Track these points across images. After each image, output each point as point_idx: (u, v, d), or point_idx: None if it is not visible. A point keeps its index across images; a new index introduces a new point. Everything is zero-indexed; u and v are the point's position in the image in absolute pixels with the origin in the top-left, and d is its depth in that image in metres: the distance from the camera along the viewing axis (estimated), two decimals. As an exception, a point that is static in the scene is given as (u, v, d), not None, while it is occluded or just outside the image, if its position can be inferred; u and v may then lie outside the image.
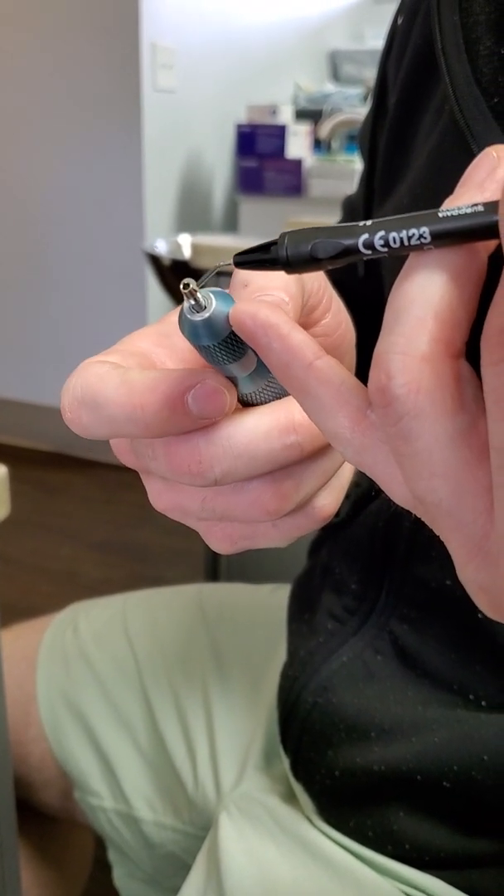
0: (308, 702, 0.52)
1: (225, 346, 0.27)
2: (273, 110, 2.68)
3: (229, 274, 0.30)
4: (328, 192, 2.45)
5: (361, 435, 0.23)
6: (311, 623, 0.57)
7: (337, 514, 0.53)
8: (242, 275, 0.29)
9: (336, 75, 3.51)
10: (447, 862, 0.47)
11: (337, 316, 0.34)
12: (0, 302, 2.89)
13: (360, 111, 2.67)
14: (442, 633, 0.48)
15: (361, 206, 0.58)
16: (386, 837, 0.49)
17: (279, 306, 0.27)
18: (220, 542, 0.33)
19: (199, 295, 0.26)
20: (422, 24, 0.50)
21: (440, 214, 0.21)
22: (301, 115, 2.89)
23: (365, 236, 0.22)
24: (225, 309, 0.26)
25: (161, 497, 0.32)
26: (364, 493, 0.53)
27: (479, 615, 0.45)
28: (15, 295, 2.85)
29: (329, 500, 0.34)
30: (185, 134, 2.69)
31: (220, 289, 0.27)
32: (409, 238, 0.21)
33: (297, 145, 2.64)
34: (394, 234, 0.22)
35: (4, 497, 0.63)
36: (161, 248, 1.61)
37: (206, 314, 0.26)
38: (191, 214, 2.77)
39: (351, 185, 2.38)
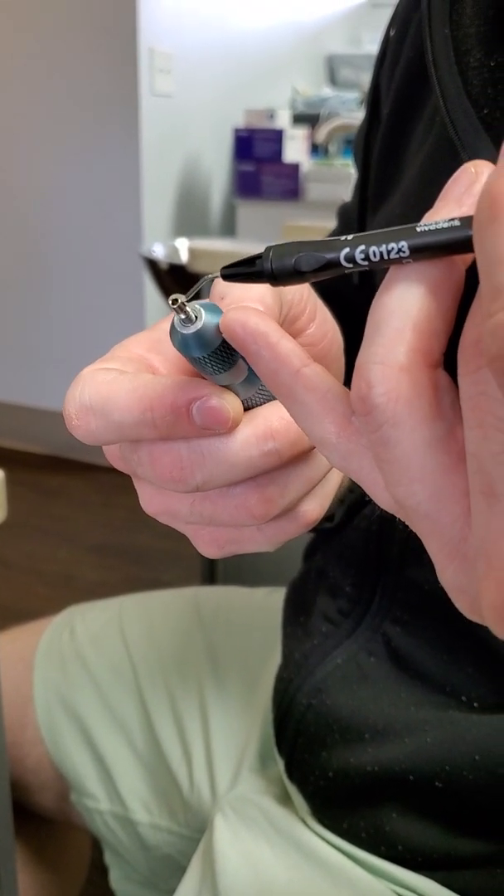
0: (302, 703, 0.53)
1: (215, 356, 0.27)
2: (270, 114, 2.69)
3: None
4: (325, 195, 2.46)
5: (347, 440, 0.24)
6: (305, 626, 0.57)
7: (331, 519, 0.54)
8: (219, 287, 0.30)
9: (333, 79, 3.52)
10: (440, 863, 0.48)
11: (322, 326, 0.35)
12: (-2, 305, 2.89)
13: (357, 115, 2.68)
14: (434, 636, 0.48)
15: (356, 214, 0.59)
16: (379, 838, 0.49)
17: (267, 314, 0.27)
18: (208, 545, 0.34)
19: (188, 308, 0.27)
20: (414, 36, 0.50)
21: (418, 229, 0.21)
22: (298, 119, 2.90)
23: (346, 250, 0.23)
24: (214, 321, 0.27)
25: (152, 501, 0.33)
26: (358, 498, 0.53)
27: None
28: (13, 298, 2.86)
29: (314, 506, 0.34)
30: (182, 138, 2.69)
31: (208, 301, 0.28)
32: (389, 252, 0.22)
33: (295, 149, 2.64)
34: (374, 248, 0.22)
35: (1, 501, 0.63)
36: (158, 252, 1.62)
37: (195, 327, 0.27)
38: (188, 218, 2.78)
39: (348, 189, 2.39)
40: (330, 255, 0.23)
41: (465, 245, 0.21)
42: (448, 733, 0.46)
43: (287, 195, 2.59)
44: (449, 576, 0.23)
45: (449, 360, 0.22)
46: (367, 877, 0.49)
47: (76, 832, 0.81)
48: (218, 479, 0.30)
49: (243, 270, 0.26)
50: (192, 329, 0.27)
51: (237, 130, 2.68)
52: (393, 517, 0.49)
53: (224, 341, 0.27)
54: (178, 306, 0.27)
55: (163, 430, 0.29)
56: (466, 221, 0.21)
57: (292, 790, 0.55)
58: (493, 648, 0.45)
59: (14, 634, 0.78)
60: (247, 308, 0.26)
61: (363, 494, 0.53)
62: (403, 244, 0.21)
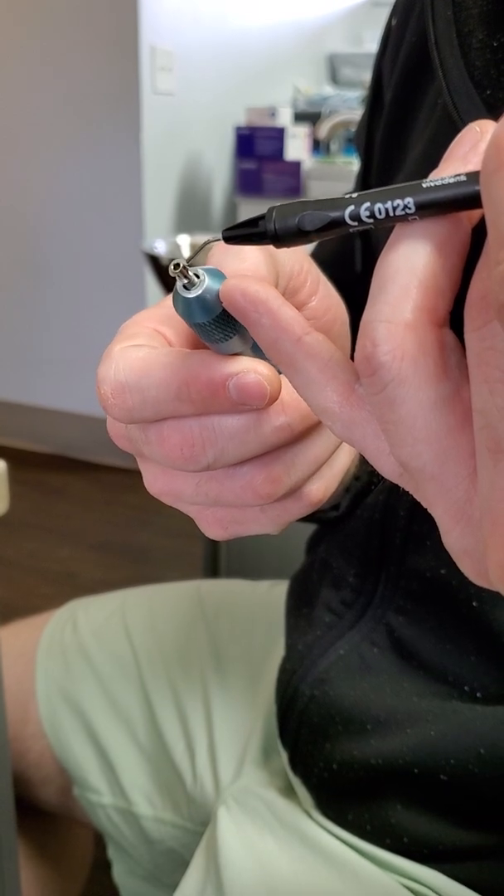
0: (305, 695, 0.52)
1: (218, 323, 0.27)
2: (272, 112, 2.68)
3: None
4: (327, 193, 2.41)
5: (350, 409, 0.24)
6: (308, 617, 0.57)
7: (337, 508, 0.53)
8: (213, 260, 0.30)
9: (335, 78, 3.52)
10: (445, 855, 0.47)
11: (325, 300, 0.35)
12: (-1, 304, 2.89)
13: (359, 112, 2.67)
14: (437, 624, 0.48)
15: None
16: (384, 830, 0.49)
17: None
18: (212, 526, 0.34)
19: (190, 272, 0.26)
20: (416, 21, 0.50)
21: (424, 185, 0.21)
22: (300, 117, 2.89)
23: (351, 208, 0.23)
24: (216, 285, 0.27)
25: (156, 481, 0.33)
26: (363, 486, 0.53)
27: (474, 604, 0.45)
28: (15, 296, 2.85)
29: (318, 486, 0.34)
30: (184, 137, 2.69)
31: (211, 266, 0.27)
32: (394, 209, 0.22)
33: (296, 147, 2.64)
34: (379, 205, 0.22)
35: (3, 492, 0.63)
36: (160, 248, 1.62)
37: (198, 291, 0.27)
38: (190, 217, 2.78)
39: (349, 187, 2.39)
40: (334, 214, 0.23)
41: (471, 201, 0.21)
42: (452, 725, 0.46)
43: (289, 193, 2.59)
44: (454, 538, 0.22)
45: (456, 322, 0.22)
46: (372, 869, 0.49)
47: (79, 827, 0.81)
48: (229, 456, 0.30)
49: (246, 232, 0.25)
50: (194, 293, 0.27)
51: (238, 128, 2.68)
52: (395, 504, 0.49)
53: (224, 314, 0.27)
54: (181, 270, 0.26)
55: (199, 406, 0.28)
56: (473, 177, 0.21)
57: (296, 782, 0.55)
58: (496, 637, 0.45)
59: (16, 629, 0.77)
60: (247, 276, 0.26)
61: (368, 483, 0.52)
62: (409, 200, 0.21)
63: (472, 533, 0.22)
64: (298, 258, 0.34)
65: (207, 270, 0.27)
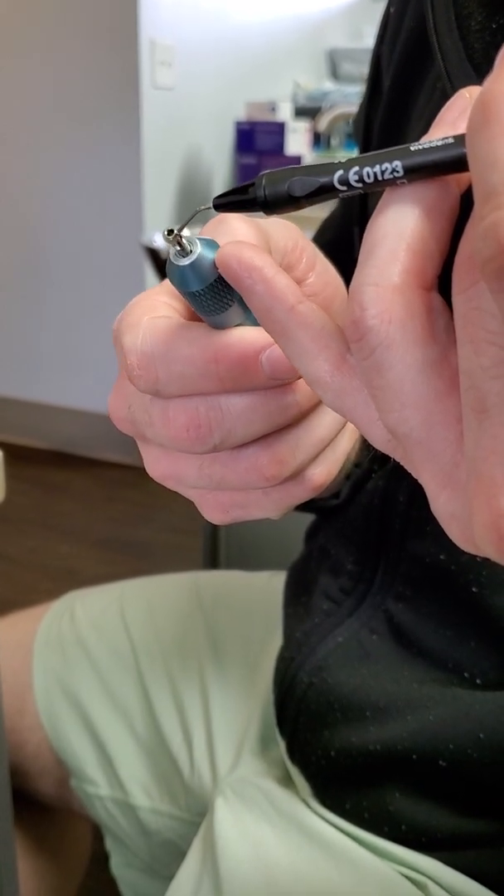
0: (304, 682, 0.52)
1: (212, 292, 0.27)
2: (272, 107, 2.68)
3: None
4: (327, 188, 2.45)
5: (341, 378, 0.24)
6: (307, 606, 0.56)
7: (337, 496, 0.53)
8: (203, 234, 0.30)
9: (335, 73, 3.51)
10: (444, 843, 0.47)
11: (323, 276, 0.34)
12: (-1, 300, 2.89)
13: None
14: (437, 611, 0.47)
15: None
16: (382, 819, 0.49)
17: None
18: (214, 510, 0.33)
19: (183, 240, 0.26)
20: (414, 7, 0.50)
21: (412, 148, 0.21)
22: (300, 112, 2.89)
23: (340, 172, 0.23)
24: (210, 254, 0.26)
25: (158, 464, 0.32)
26: (364, 473, 0.53)
27: (474, 589, 0.45)
28: (15, 292, 2.85)
29: (321, 470, 0.34)
30: (184, 131, 2.68)
31: (207, 237, 0.27)
32: (383, 172, 0.22)
33: (297, 142, 2.64)
34: (367, 168, 0.22)
35: (0, 480, 0.62)
36: (159, 241, 1.61)
37: (191, 258, 0.26)
38: (190, 211, 2.77)
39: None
40: (323, 179, 0.23)
41: (459, 163, 0.21)
42: (451, 710, 0.45)
43: (289, 188, 2.59)
44: (441, 504, 0.22)
45: (444, 289, 0.21)
46: (370, 857, 0.49)
47: (76, 820, 0.81)
48: (236, 436, 0.30)
49: (236, 199, 0.25)
50: (187, 260, 0.26)
51: (238, 123, 2.67)
52: (394, 489, 0.48)
53: (221, 277, 0.26)
54: (174, 237, 0.26)
55: (227, 382, 0.28)
56: (460, 139, 0.21)
57: (294, 771, 0.54)
58: (496, 622, 0.44)
59: (13, 620, 0.77)
60: (243, 242, 0.25)
61: (369, 470, 0.52)
62: (397, 164, 0.21)
63: (458, 497, 0.22)
64: (292, 235, 0.33)
65: (201, 239, 0.27)
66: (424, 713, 0.46)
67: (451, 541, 0.48)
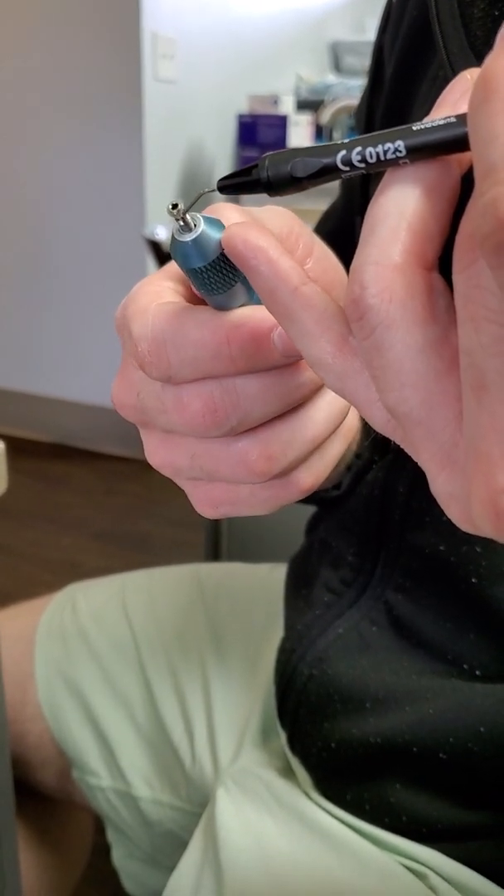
0: (304, 673, 0.52)
1: (215, 270, 0.27)
2: (274, 100, 2.67)
3: None
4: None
5: (343, 360, 0.24)
6: (308, 597, 0.56)
7: (338, 487, 0.53)
8: None
9: (337, 66, 3.50)
10: (444, 834, 0.47)
11: (322, 262, 0.34)
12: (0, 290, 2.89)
13: (362, 101, 2.66)
14: (436, 602, 0.47)
15: (359, 180, 0.58)
16: (383, 810, 0.49)
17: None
18: (204, 503, 0.34)
19: (187, 217, 0.26)
20: None
21: (414, 128, 0.21)
22: (302, 105, 2.88)
23: (342, 153, 0.23)
24: (213, 231, 0.26)
25: (157, 453, 0.32)
26: (365, 464, 0.53)
27: (473, 580, 0.45)
28: (16, 284, 2.85)
29: (308, 475, 0.34)
30: (186, 124, 2.68)
31: (211, 216, 0.27)
32: (385, 152, 0.22)
33: (299, 135, 2.63)
34: (370, 149, 0.22)
35: (2, 472, 0.62)
36: (161, 234, 1.61)
37: (194, 234, 0.26)
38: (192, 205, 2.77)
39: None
40: (326, 160, 0.23)
41: (461, 143, 0.21)
42: (451, 703, 0.46)
43: (291, 181, 2.58)
44: (440, 484, 0.22)
45: (445, 272, 0.22)
46: (370, 848, 0.49)
47: (78, 811, 0.81)
48: (252, 418, 0.30)
49: (240, 180, 0.25)
50: (191, 237, 0.26)
51: (241, 116, 2.67)
52: (394, 481, 0.48)
53: (223, 255, 0.27)
54: (178, 212, 0.26)
55: (240, 363, 0.28)
56: (462, 119, 0.21)
57: (295, 763, 0.55)
58: (496, 614, 0.45)
59: (15, 612, 0.77)
60: (249, 223, 0.25)
61: (370, 460, 0.52)
62: (399, 143, 0.21)
63: (457, 477, 0.22)
64: (287, 222, 0.33)
65: (205, 217, 0.27)
66: (424, 705, 0.46)
67: (450, 532, 0.48)
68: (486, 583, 0.45)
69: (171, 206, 0.26)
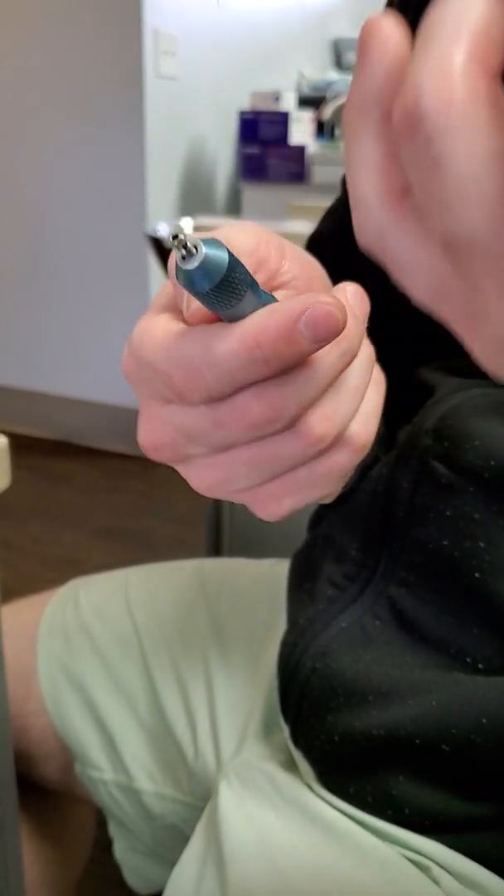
0: (307, 667, 0.52)
1: (224, 286, 0.27)
2: (276, 97, 2.67)
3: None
4: (331, 178, 2.45)
5: (388, 210, 0.22)
6: (310, 592, 0.56)
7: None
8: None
9: (339, 63, 3.50)
10: (447, 826, 0.47)
11: (297, 260, 0.35)
12: (1, 288, 2.89)
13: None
14: (439, 597, 0.47)
15: None
16: (385, 802, 0.49)
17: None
18: (268, 504, 0.34)
19: (189, 244, 0.27)
20: None
21: None
22: (304, 102, 2.88)
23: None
24: (214, 251, 0.27)
25: (206, 477, 0.33)
26: (370, 460, 0.53)
27: (477, 575, 0.45)
28: (19, 282, 2.85)
29: (360, 428, 0.34)
30: (187, 121, 2.68)
31: (210, 237, 0.27)
32: None
33: (300, 132, 2.63)
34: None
35: (5, 468, 0.62)
36: (163, 231, 1.61)
37: (199, 258, 0.27)
38: (193, 202, 2.77)
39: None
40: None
41: None
42: (454, 695, 0.46)
43: (293, 178, 2.58)
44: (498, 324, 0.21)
45: None
46: (373, 840, 0.49)
47: (80, 805, 0.81)
48: (309, 399, 0.30)
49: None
50: (194, 263, 0.27)
51: (242, 113, 2.67)
52: (398, 478, 0.48)
53: (228, 273, 0.27)
54: (179, 241, 0.26)
55: (275, 364, 0.28)
56: None
57: (297, 756, 0.55)
58: (498, 608, 0.45)
59: (17, 607, 0.77)
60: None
61: (374, 457, 0.52)
62: None
63: None
64: (254, 233, 0.34)
65: (204, 240, 0.27)
66: (427, 698, 0.46)
67: (454, 528, 0.48)
68: (489, 578, 0.45)
69: (172, 238, 0.26)
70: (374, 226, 0.22)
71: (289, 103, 2.70)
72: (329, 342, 0.28)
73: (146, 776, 0.67)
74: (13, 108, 2.68)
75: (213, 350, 0.29)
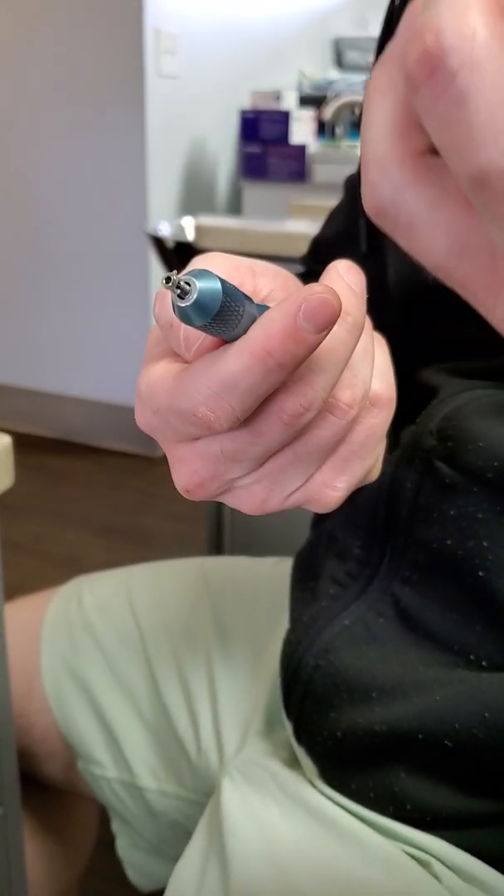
0: (310, 664, 0.53)
1: (222, 316, 0.28)
2: (277, 96, 2.67)
3: None
4: (332, 177, 2.45)
5: (406, 170, 0.22)
6: (314, 590, 0.57)
7: None
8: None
9: (340, 62, 3.50)
10: (448, 822, 0.48)
11: (268, 270, 0.36)
12: (3, 287, 2.89)
13: (365, 97, 2.66)
14: (442, 595, 0.48)
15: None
16: (388, 798, 0.49)
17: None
18: (323, 496, 0.34)
19: (181, 282, 0.27)
20: None
21: None
22: (305, 101, 2.88)
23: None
24: (207, 283, 0.27)
25: (260, 493, 0.34)
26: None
27: (480, 573, 0.45)
28: (20, 280, 2.85)
29: (379, 386, 0.35)
30: (188, 120, 2.68)
31: (198, 268, 0.28)
32: None
33: (301, 131, 2.63)
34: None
35: (8, 466, 0.63)
36: (164, 230, 1.61)
37: (193, 297, 0.27)
38: (194, 201, 2.77)
39: (354, 170, 2.38)
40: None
41: None
42: (457, 691, 0.46)
43: (293, 177, 2.58)
44: None
45: None
46: (375, 836, 0.49)
47: (83, 803, 0.82)
48: (334, 379, 0.31)
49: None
50: (192, 298, 0.27)
51: (243, 112, 2.67)
52: (402, 477, 0.49)
53: (225, 301, 0.27)
54: (172, 284, 0.27)
55: (289, 365, 0.29)
56: None
57: (300, 752, 0.55)
58: (501, 606, 0.45)
59: (20, 605, 0.78)
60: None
61: None
62: None
63: None
64: (221, 262, 0.35)
65: (195, 274, 0.27)
66: (430, 694, 0.47)
67: (457, 527, 0.48)
68: (492, 576, 0.45)
69: (164, 281, 0.27)
70: (389, 186, 0.22)
71: (290, 102, 2.70)
72: (332, 326, 0.29)
73: (149, 773, 0.67)
74: (15, 105, 2.68)
75: (228, 374, 0.29)
